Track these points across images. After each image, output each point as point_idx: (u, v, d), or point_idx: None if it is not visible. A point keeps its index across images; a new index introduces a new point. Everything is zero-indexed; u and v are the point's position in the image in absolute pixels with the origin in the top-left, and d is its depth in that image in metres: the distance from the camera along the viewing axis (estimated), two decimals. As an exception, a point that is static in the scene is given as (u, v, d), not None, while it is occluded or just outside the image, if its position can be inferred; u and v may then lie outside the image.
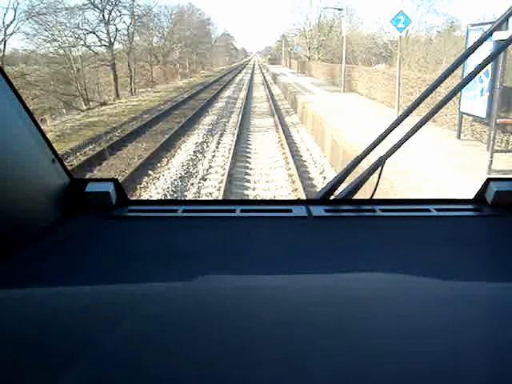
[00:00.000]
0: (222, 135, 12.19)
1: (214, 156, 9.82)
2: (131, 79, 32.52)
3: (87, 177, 7.10)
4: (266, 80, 35.51)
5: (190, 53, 54.44)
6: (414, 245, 0.88)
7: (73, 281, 0.72)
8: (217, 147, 10.70)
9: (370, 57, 32.88)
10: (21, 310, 0.58)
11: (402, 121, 1.06)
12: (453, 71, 1.07)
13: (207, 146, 10.77)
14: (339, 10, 19.14)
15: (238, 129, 12.45)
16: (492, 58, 1.06)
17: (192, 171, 8.58)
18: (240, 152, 10.06)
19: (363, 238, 0.91)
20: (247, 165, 9.05)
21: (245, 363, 0.46)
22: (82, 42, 27.01)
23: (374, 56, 33.02)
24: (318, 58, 39.97)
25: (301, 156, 9.67)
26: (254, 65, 76.38)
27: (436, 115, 9.89)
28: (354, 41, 34.63)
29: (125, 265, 0.78)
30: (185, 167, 8.80)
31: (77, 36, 26.75)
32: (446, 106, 8.49)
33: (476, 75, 1.05)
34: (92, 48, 28.37)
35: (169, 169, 8.69)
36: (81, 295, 0.62)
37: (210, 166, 8.91)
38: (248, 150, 10.37)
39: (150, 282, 0.66)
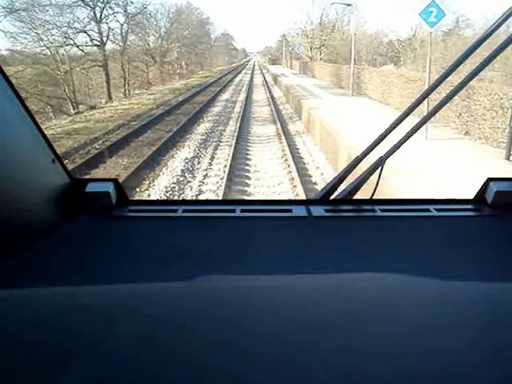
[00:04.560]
0: (216, 148, 10.63)
1: (205, 176, 8.25)
2: (125, 80, 30.97)
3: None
4: (266, 81, 33.97)
5: (188, 53, 53.02)
6: (414, 245, 0.88)
7: (73, 281, 0.72)
8: (210, 164, 9.13)
9: (376, 57, 31.32)
10: (21, 310, 0.58)
11: (402, 121, 1.04)
12: (453, 71, 1.03)
13: (199, 163, 9.20)
14: (347, 5, 17.61)
15: (235, 139, 10.90)
16: (492, 58, 1.00)
17: (178, 199, 7.02)
18: (237, 170, 8.51)
19: (363, 238, 0.91)
20: (245, 188, 7.49)
21: (245, 362, 0.46)
22: (70, 42, 25.37)
23: (379, 56, 31.47)
24: (320, 59, 38.57)
25: (310, 176, 8.11)
26: (253, 65, 74.96)
27: (472, 127, 8.40)
28: (359, 40, 33.18)
29: (125, 265, 0.78)
30: (169, 193, 7.24)
31: (66, 35, 25.15)
32: (485, 118, 6.89)
33: (476, 75, 1.01)
34: (82, 48, 26.76)
35: (149, 196, 7.13)
36: (81, 295, 0.62)
37: (201, 191, 7.35)
38: (247, 168, 8.81)
39: (150, 282, 0.66)
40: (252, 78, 39.93)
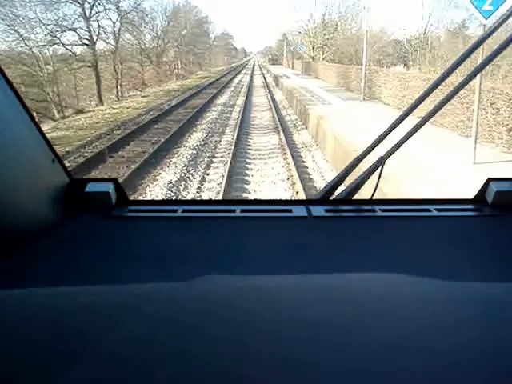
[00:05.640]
0: (208, 166, 8.88)
1: (192, 209, 6.52)
2: (117, 82, 29.27)
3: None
4: (266, 82, 32.22)
5: (186, 53, 51.54)
6: (414, 245, 0.88)
7: (73, 281, 0.72)
8: (199, 190, 7.38)
9: (383, 57, 29.53)
10: (21, 310, 0.58)
11: (402, 121, 1.03)
12: (454, 70, 1.02)
13: (184, 189, 7.46)
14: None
15: (231, 155, 9.18)
16: (492, 58, 1.00)
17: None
18: (234, 198, 6.78)
19: (363, 238, 0.91)
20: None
21: (246, 362, 0.46)
22: (56, 41, 23.50)
23: (387, 56, 29.70)
24: (323, 58, 36.97)
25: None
26: (253, 65, 73.27)
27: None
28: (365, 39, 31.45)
29: (125, 265, 0.78)
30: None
31: (51, 34, 23.34)
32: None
33: (476, 75, 0.99)
34: (70, 47, 24.95)
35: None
36: (81, 295, 0.62)
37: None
38: (244, 195, 7.09)
39: (150, 282, 0.66)
40: (252, 78, 38.18)
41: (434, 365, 0.45)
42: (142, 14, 34.28)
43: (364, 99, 14.52)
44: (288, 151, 9.49)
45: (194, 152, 9.92)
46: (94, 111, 20.19)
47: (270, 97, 21.42)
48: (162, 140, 10.80)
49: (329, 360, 0.46)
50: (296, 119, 14.46)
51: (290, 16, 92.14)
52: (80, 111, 20.69)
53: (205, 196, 7.04)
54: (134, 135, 11.82)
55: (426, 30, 26.89)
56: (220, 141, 11.32)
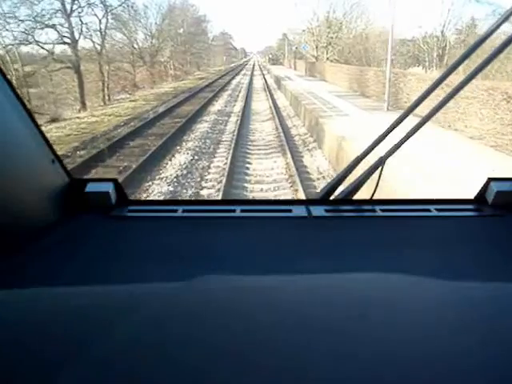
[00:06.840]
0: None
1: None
2: (103, 84, 26.64)
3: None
4: (267, 84, 29.56)
5: (183, 52, 49.04)
6: (414, 245, 0.87)
7: (72, 281, 0.72)
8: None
9: (395, 57, 26.88)
10: (20, 310, 0.58)
11: (402, 121, 1.02)
12: (454, 70, 1.02)
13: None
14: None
15: (221, 194, 6.56)
16: (492, 57, 0.98)
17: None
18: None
19: (363, 238, 0.90)
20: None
21: (244, 367, 0.45)
22: (28, 39, 20.79)
23: (399, 56, 27.05)
24: (327, 58, 34.41)
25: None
26: (253, 65, 70.71)
27: None
28: (374, 37, 28.90)
29: (124, 265, 0.78)
30: None
31: (25, 32, 20.65)
32: None
33: (477, 75, 0.99)
34: (45, 46, 22.26)
35: None
36: (80, 295, 0.62)
37: None
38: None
39: (150, 282, 0.66)
40: (251, 80, 35.53)
41: (437, 367, 0.43)
42: (132, 11, 31.65)
43: (388, 109, 11.89)
44: (300, 187, 6.88)
45: (171, 189, 7.26)
46: (71, 119, 17.64)
47: (271, 102, 18.76)
48: (134, 166, 8.20)
49: (329, 364, 0.45)
50: (305, 133, 11.81)
51: (291, 14, 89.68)
52: (55, 119, 18.05)
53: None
54: (100, 157, 9.22)
55: (444, 26, 24.24)
56: (209, 166, 8.68)
